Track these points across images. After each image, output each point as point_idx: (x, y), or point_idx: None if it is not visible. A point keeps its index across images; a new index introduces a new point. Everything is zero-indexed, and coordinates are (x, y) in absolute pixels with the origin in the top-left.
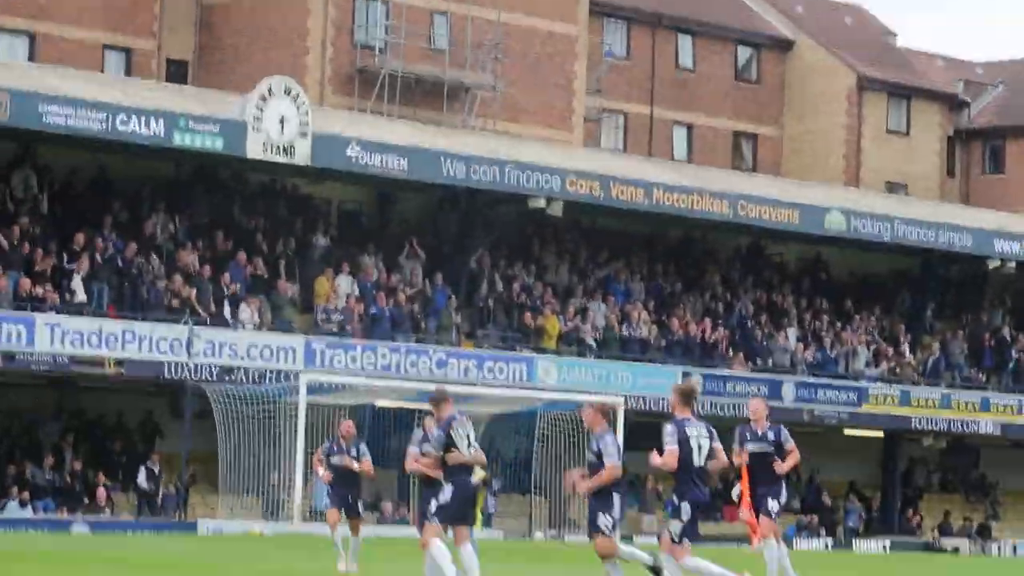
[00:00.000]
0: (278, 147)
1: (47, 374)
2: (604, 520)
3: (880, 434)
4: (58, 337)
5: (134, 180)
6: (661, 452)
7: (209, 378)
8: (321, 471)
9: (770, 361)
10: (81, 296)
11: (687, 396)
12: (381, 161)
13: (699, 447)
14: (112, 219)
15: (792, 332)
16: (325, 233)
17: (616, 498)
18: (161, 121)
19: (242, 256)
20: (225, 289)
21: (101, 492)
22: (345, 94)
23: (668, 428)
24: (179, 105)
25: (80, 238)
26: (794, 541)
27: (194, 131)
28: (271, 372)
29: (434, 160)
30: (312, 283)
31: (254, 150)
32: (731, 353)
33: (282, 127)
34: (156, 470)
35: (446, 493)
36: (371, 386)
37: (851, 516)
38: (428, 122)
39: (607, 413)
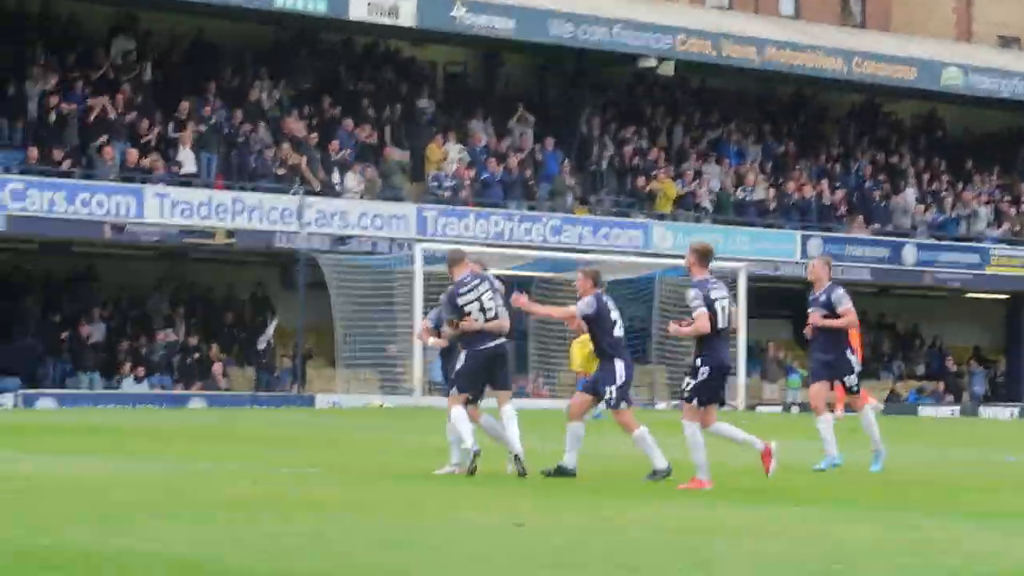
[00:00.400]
0: (382, 8)
1: (157, 246)
2: (609, 391)
3: (1004, 297)
4: (167, 208)
5: (235, 45)
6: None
7: (321, 248)
8: (431, 340)
9: (889, 224)
10: (189, 167)
11: (705, 256)
12: (487, 21)
13: (723, 309)
14: (216, 86)
15: (911, 193)
16: (431, 97)
17: (619, 366)
18: None
19: (349, 122)
20: (333, 156)
21: (217, 366)
22: None
23: (692, 292)
24: None
25: (185, 106)
26: (918, 408)
27: None
28: (383, 241)
29: (541, 19)
30: (421, 149)
31: (357, 12)
32: (849, 215)
33: None
34: (271, 341)
35: (460, 361)
36: (485, 255)
37: (976, 382)
38: None
39: (595, 277)
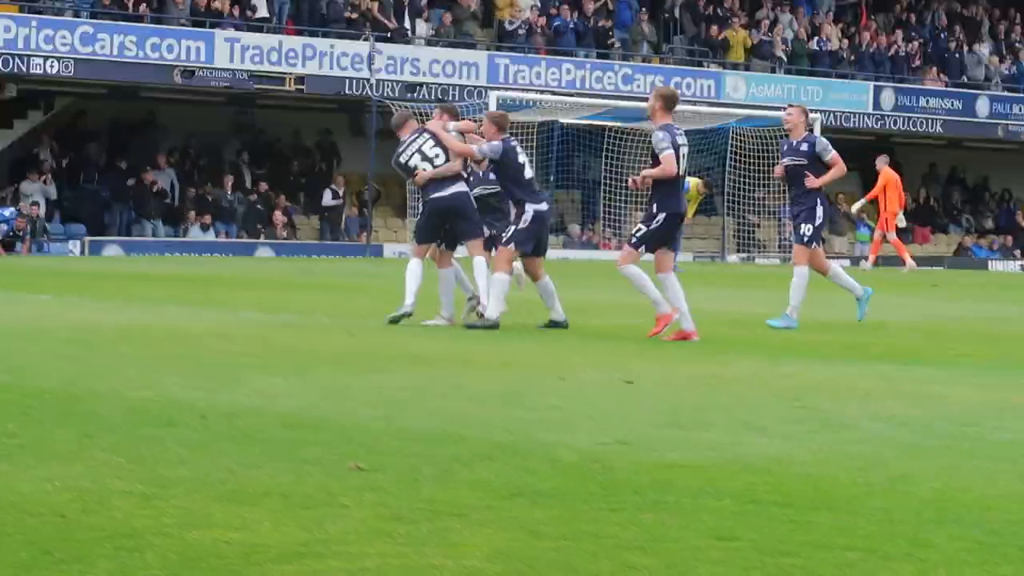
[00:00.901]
0: None
1: (226, 91)
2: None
3: None
4: (237, 53)
5: None
6: (656, 161)
7: (391, 95)
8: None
9: (964, 76)
10: (263, 12)
11: (671, 101)
12: None
13: (684, 156)
14: None
15: (986, 45)
16: None
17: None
18: None
19: None
20: (405, 2)
21: (277, 215)
22: None
23: (660, 134)
24: None
25: None
26: (989, 263)
27: None
28: (454, 88)
29: None
30: None
31: None
32: (923, 67)
33: None
34: (340, 191)
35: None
36: (557, 102)
37: None
38: None
39: (499, 121)
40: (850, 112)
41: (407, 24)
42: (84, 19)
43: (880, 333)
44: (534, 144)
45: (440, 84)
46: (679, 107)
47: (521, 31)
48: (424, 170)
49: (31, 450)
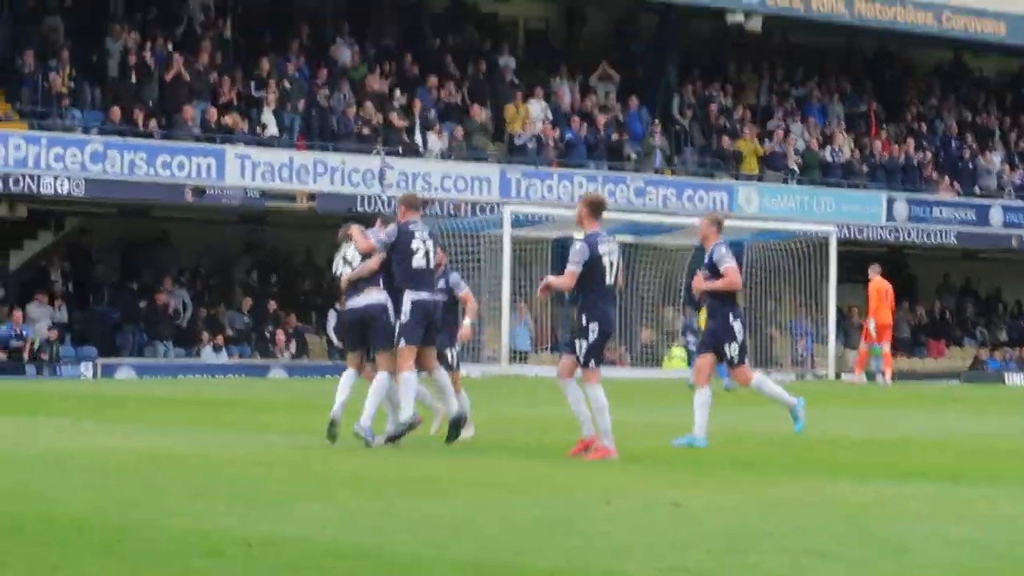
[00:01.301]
0: None
1: (237, 209)
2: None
3: None
4: (248, 170)
5: (316, 2)
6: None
7: None
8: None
9: (976, 186)
10: (272, 129)
11: (597, 207)
12: None
13: (611, 264)
14: (298, 43)
15: (997, 154)
16: (512, 54)
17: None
18: None
19: (433, 80)
20: (416, 116)
21: (280, 336)
22: None
23: (578, 246)
24: None
25: (265, 64)
26: (1005, 376)
27: None
28: (466, 203)
29: None
30: (502, 108)
31: None
32: (936, 176)
33: None
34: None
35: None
36: (568, 216)
37: None
38: None
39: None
40: (863, 224)
41: (418, 139)
42: (93, 136)
43: (909, 450)
44: (548, 259)
45: (452, 199)
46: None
47: (532, 145)
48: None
49: None
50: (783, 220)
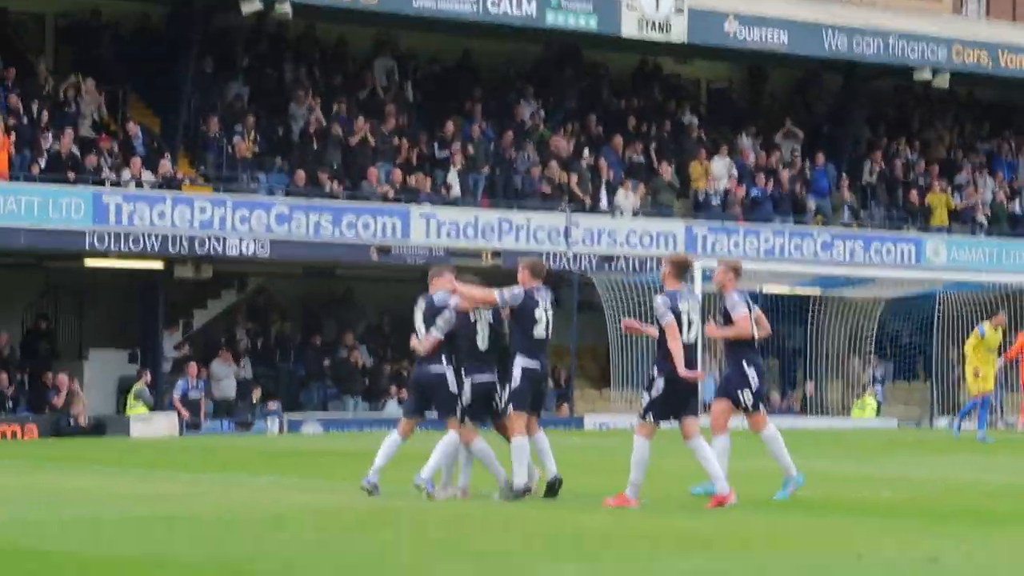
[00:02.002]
0: (654, 24)
1: (420, 268)
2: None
3: None
4: (433, 229)
5: (499, 64)
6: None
7: (589, 267)
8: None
9: None
10: (456, 190)
11: (682, 268)
12: (760, 36)
13: (689, 323)
14: (481, 106)
15: None
16: (695, 112)
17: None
18: (533, 1)
19: (618, 140)
20: (601, 175)
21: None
22: None
23: (660, 299)
24: None
25: (450, 127)
26: None
27: (567, 10)
28: (651, 259)
29: (815, 32)
30: (686, 166)
31: (628, 28)
32: None
33: (657, 3)
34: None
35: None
36: (760, 271)
37: None
38: None
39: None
40: None
41: (603, 197)
42: (279, 198)
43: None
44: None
45: (638, 255)
46: (878, 272)
47: (716, 201)
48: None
49: None
50: (972, 272)
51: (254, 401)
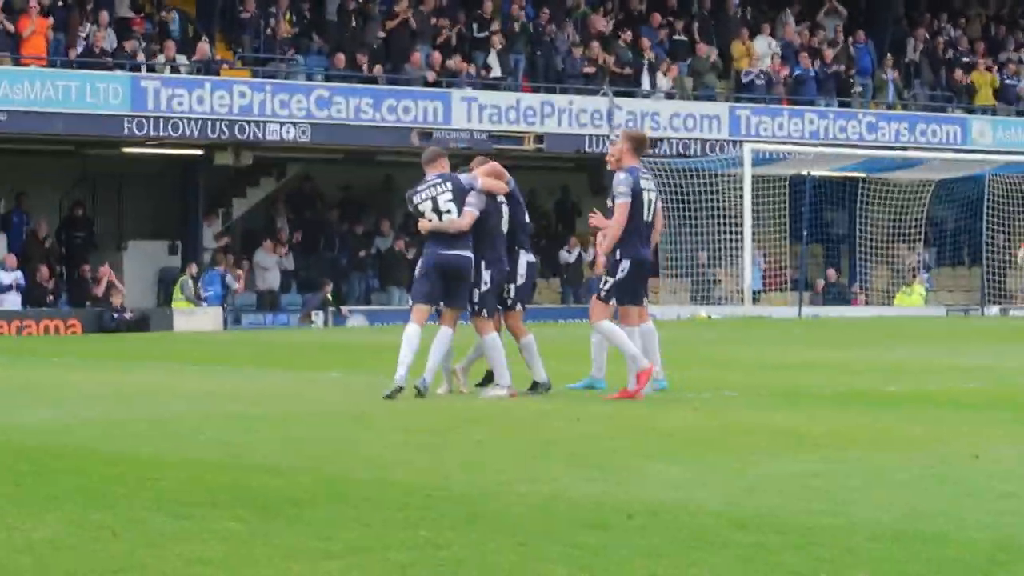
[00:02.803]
0: None
1: (465, 152)
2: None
3: None
4: (475, 113)
5: None
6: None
7: None
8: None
9: None
10: (496, 71)
11: (639, 143)
12: None
13: (649, 202)
14: None
15: None
16: None
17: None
18: None
19: (657, 17)
20: (643, 55)
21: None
22: None
23: (620, 175)
24: None
25: (488, 6)
26: None
27: None
28: (695, 142)
29: None
30: (728, 46)
31: None
32: None
33: None
34: (577, 252)
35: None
36: (809, 154)
37: None
38: None
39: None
40: None
41: (645, 78)
42: (318, 83)
43: None
44: (786, 197)
45: (681, 138)
46: (924, 154)
47: (759, 81)
48: (430, 220)
49: (475, 567)
50: (1018, 153)
51: (328, 297)
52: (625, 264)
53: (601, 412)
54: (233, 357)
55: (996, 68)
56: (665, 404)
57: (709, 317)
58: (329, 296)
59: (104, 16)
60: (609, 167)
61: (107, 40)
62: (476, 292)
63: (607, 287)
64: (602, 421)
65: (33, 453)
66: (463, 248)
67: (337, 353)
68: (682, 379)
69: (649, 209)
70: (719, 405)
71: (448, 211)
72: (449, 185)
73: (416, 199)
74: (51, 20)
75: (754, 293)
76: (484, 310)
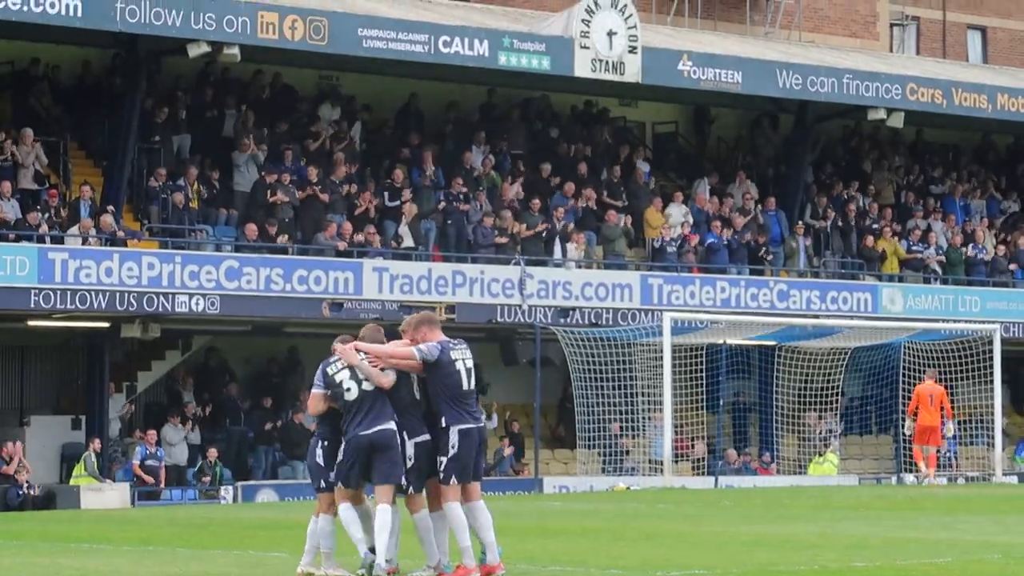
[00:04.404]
0: (608, 65)
1: (375, 323)
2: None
3: None
4: (386, 283)
5: (444, 110)
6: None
7: (544, 320)
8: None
9: None
10: (408, 241)
11: (434, 321)
12: (714, 75)
13: (468, 369)
14: (432, 154)
15: None
16: (644, 159)
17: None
18: (486, 42)
19: (570, 187)
20: (555, 224)
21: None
22: (643, 9)
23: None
24: (502, 24)
25: (399, 175)
26: None
27: (520, 51)
28: (607, 311)
29: (769, 71)
30: (640, 213)
31: (582, 69)
32: None
33: (610, 43)
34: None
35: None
36: (730, 323)
37: None
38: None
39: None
40: (1017, 323)
41: (556, 247)
42: (228, 253)
43: None
44: (703, 365)
45: (593, 308)
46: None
47: (671, 249)
48: (348, 390)
49: None
50: (929, 320)
51: (211, 463)
52: (454, 436)
53: None
54: (159, 537)
55: (903, 235)
56: None
57: (628, 488)
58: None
59: (7, 186)
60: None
61: (11, 211)
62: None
63: (443, 466)
64: None
65: None
66: (385, 422)
67: (278, 531)
68: (647, 556)
69: (468, 377)
70: None
71: (365, 379)
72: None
73: (330, 370)
74: None
75: (658, 462)
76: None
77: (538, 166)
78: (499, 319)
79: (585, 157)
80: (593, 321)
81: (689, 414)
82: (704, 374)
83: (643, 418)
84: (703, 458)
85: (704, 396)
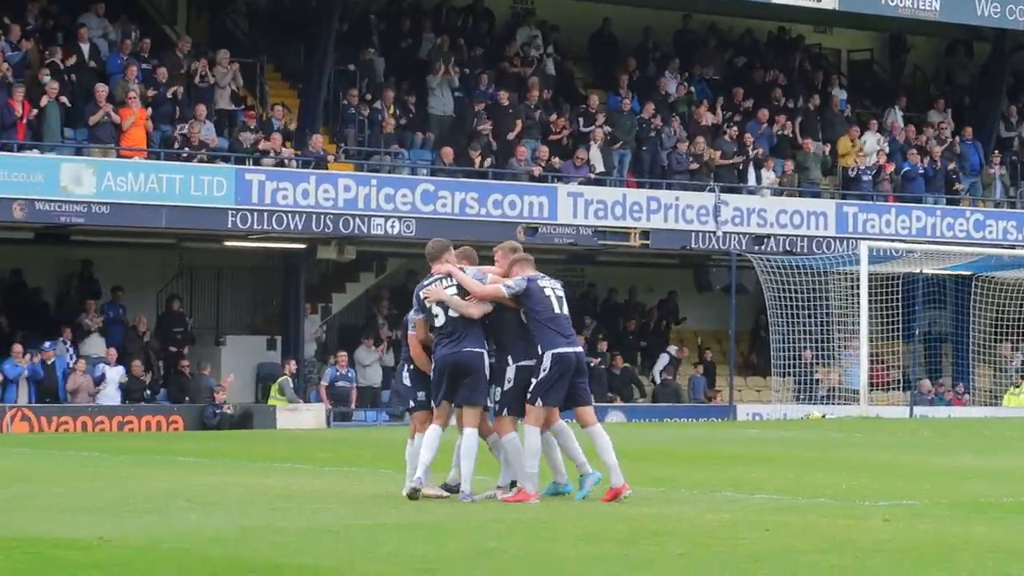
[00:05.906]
0: None
1: (570, 248)
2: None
3: None
4: (580, 208)
5: (639, 35)
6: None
7: (738, 248)
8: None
9: None
10: (600, 166)
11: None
12: (912, 2)
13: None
14: (627, 78)
15: None
16: (841, 87)
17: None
18: None
19: (763, 114)
20: (749, 151)
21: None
22: None
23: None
24: None
25: (594, 100)
26: None
27: None
28: (801, 239)
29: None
30: (835, 141)
31: None
32: None
33: None
34: (676, 356)
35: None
36: (927, 252)
37: None
38: None
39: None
40: None
41: (751, 174)
42: (424, 177)
43: None
44: (899, 296)
45: (787, 235)
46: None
47: (866, 177)
48: (436, 317)
49: None
50: None
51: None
52: (547, 360)
53: (787, 522)
54: (360, 458)
55: None
56: (840, 513)
57: (823, 416)
58: None
59: (201, 109)
60: None
61: (208, 132)
62: (499, 390)
63: (532, 388)
64: (794, 533)
65: (222, 565)
66: (474, 344)
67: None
68: (852, 487)
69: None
70: (907, 516)
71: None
72: (454, 281)
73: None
74: (150, 111)
75: (856, 392)
76: (505, 409)
77: (732, 92)
78: (693, 246)
79: (780, 84)
80: (788, 249)
81: (884, 343)
82: (900, 304)
83: (838, 347)
84: (898, 387)
85: (900, 326)
